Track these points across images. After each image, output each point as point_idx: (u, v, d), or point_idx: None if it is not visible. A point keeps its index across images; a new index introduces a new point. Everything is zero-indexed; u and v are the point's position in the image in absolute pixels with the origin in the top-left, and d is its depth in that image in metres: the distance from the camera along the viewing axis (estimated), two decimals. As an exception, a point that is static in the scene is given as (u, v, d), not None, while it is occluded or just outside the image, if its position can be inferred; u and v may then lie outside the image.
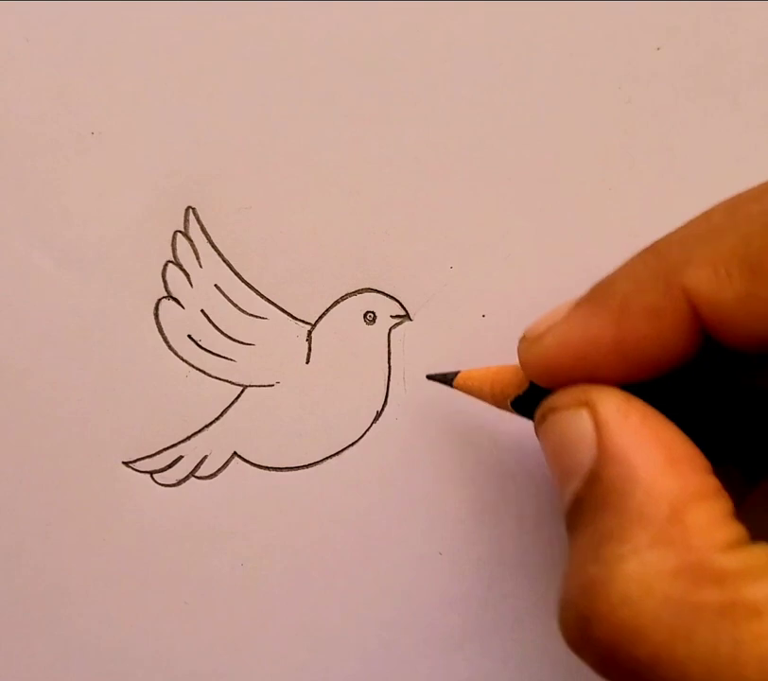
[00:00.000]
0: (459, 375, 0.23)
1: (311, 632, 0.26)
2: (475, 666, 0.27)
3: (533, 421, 0.20)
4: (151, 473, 0.26)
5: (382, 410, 0.26)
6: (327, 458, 0.26)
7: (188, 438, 0.26)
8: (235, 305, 0.25)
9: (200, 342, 0.25)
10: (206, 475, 0.26)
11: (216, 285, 0.25)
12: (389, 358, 0.26)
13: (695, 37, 0.26)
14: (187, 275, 0.25)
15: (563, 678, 0.27)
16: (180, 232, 0.25)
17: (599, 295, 0.18)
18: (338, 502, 0.26)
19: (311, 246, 0.25)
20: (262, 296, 0.25)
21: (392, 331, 0.26)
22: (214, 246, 0.25)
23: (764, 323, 0.16)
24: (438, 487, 0.26)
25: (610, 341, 0.18)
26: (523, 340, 0.20)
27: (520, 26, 0.25)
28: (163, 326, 0.25)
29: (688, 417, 0.18)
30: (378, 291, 0.26)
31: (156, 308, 0.25)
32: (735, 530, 0.16)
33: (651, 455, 0.17)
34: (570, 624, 0.16)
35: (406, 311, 0.26)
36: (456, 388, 0.24)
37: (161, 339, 0.25)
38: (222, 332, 0.25)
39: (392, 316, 0.26)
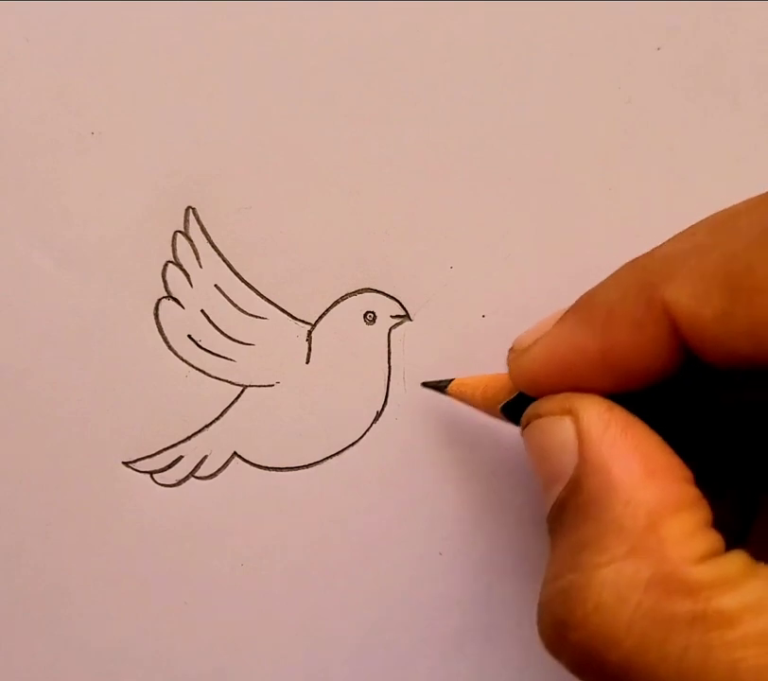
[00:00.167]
0: (452, 383, 0.24)
1: (311, 632, 0.26)
2: (475, 666, 0.27)
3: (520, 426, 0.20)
4: (151, 473, 0.26)
5: (382, 410, 0.26)
6: (327, 458, 0.26)
7: (188, 438, 0.26)
8: (235, 306, 0.25)
9: (200, 342, 0.25)
10: (206, 475, 0.26)
11: (216, 285, 0.25)
12: (389, 358, 0.26)
13: (695, 37, 0.26)
14: (187, 275, 0.25)
15: (563, 678, 0.27)
16: (180, 232, 0.25)
17: (584, 308, 0.19)
18: (338, 502, 0.26)
19: (311, 246, 0.25)
20: (262, 296, 0.25)
21: (392, 331, 0.26)
22: (214, 246, 0.25)
23: (742, 340, 0.16)
24: (438, 487, 0.26)
25: (595, 353, 0.18)
26: (511, 351, 0.21)
27: (520, 26, 0.25)
28: (163, 326, 0.25)
29: (675, 428, 0.18)
30: (378, 291, 0.26)
31: (156, 308, 0.25)
32: (710, 540, 0.16)
33: (629, 465, 0.17)
34: (548, 629, 0.17)
35: (406, 311, 0.26)
36: (450, 395, 0.24)
37: (161, 339, 0.25)
38: (222, 332, 0.25)
39: (392, 316, 0.26)
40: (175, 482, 0.26)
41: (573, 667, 0.17)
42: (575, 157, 0.26)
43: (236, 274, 0.25)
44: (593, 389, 0.19)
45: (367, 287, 0.26)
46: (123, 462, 0.25)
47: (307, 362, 0.26)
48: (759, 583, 0.16)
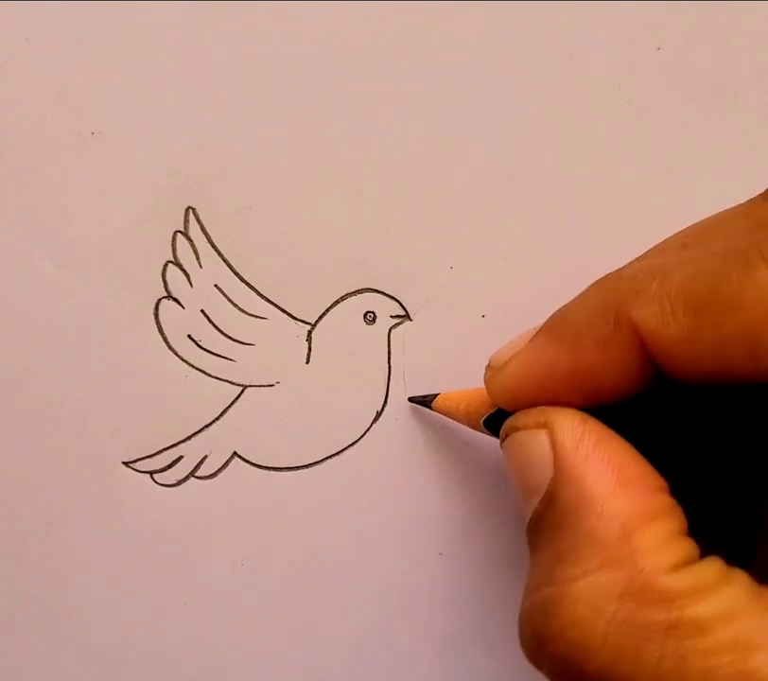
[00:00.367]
0: (437, 398, 0.24)
1: (311, 631, 0.26)
2: (475, 665, 0.27)
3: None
4: (151, 473, 0.26)
5: (382, 410, 0.26)
6: (327, 458, 0.26)
7: (188, 438, 0.26)
8: (235, 306, 0.25)
9: (200, 342, 0.25)
10: (206, 475, 0.26)
11: (216, 285, 0.25)
12: (389, 358, 0.26)
13: (695, 37, 0.26)
14: (187, 275, 0.25)
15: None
16: (180, 232, 0.25)
17: (555, 327, 0.19)
18: (338, 502, 0.26)
19: (311, 246, 0.25)
20: (262, 296, 0.25)
21: (392, 331, 0.26)
22: (214, 246, 0.25)
23: (708, 359, 0.16)
24: (438, 487, 0.26)
25: (566, 370, 0.19)
26: (488, 368, 0.21)
27: (520, 26, 0.25)
28: (163, 326, 0.25)
29: (652, 439, 0.19)
30: (378, 291, 0.26)
31: (156, 308, 0.25)
32: (684, 548, 0.17)
33: (603, 477, 0.17)
34: (527, 640, 0.18)
35: (406, 311, 0.26)
36: (435, 409, 0.25)
37: (161, 339, 0.25)
38: (222, 332, 0.25)
39: (392, 316, 0.26)
40: (175, 482, 0.26)
41: (553, 677, 0.17)
42: (575, 157, 0.26)
43: (236, 274, 0.25)
44: (568, 403, 0.19)
45: (367, 287, 0.26)
46: (123, 462, 0.25)
47: (307, 362, 0.26)
48: (732, 590, 0.16)
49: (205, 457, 0.26)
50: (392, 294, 0.26)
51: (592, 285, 0.19)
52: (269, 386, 0.26)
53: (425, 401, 0.25)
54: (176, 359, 0.25)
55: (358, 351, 0.26)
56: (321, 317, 0.26)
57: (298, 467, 0.26)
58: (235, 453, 0.26)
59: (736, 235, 0.18)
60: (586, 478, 0.17)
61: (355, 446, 0.26)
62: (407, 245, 0.25)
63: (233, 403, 0.26)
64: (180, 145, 0.25)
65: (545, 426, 0.19)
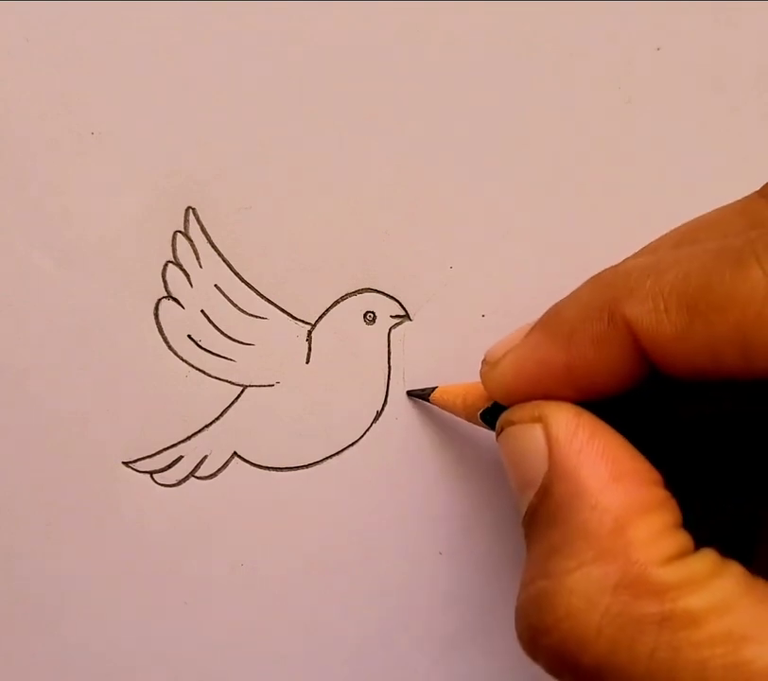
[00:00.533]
0: (435, 391, 0.25)
1: (311, 631, 0.26)
2: (475, 665, 0.27)
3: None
4: (151, 473, 0.26)
5: (382, 410, 0.26)
6: (327, 458, 0.26)
7: (188, 438, 0.26)
8: (235, 306, 0.25)
9: (200, 342, 0.25)
10: (206, 475, 0.26)
11: (216, 285, 0.25)
12: (389, 358, 0.26)
13: (695, 37, 0.26)
14: (187, 275, 0.25)
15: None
16: (180, 232, 0.25)
17: (549, 323, 0.19)
18: (338, 502, 0.26)
19: (311, 246, 0.25)
20: (262, 296, 0.25)
21: (392, 331, 0.26)
22: (214, 246, 0.25)
23: (701, 357, 0.16)
24: (438, 487, 0.26)
25: (561, 366, 0.19)
26: (484, 363, 0.21)
27: (520, 26, 0.25)
28: (163, 326, 0.25)
29: (647, 433, 0.19)
30: (378, 291, 0.26)
31: (156, 308, 0.25)
32: (677, 541, 0.17)
33: (597, 470, 0.17)
34: (523, 633, 0.18)
35: (406, 311, 0.26)
36: (433, 402, 0.25)
37: (161, 339, 0.25)
38: (222, 332, 0.25)
39: (392, 316, 0.26)
40: (175, 482, 0.26)
41: (549, 669, 0.17)
42: (575, 157, 0.26)
43: (236, 274, 0.25)
44: (562, 398, 0.19)
45: (367, 287, 0.26)
46: (123, 462, 0.25)
47: (307, 362, 0.26)
48: (725, 582, 0.16)
49: (205, 457, 0.26)
50: (392, 294, 0.26)
51: (587, 281, 0.19)
52: (269, 386, 0.26)
53: (423, 394, 0.25)
54: (176, 359, 0.25)
55: (358, 351, 0.26)
56: (321, 317, 0.26)
57: (298, 467, 0.26)
58: (235, 453, 0.26)
59: (730, 233, 0.18)
60: (580, 471, 0.17)
61: (355, 446, 0.26)
62: (407, 245, 0.25)
63: (233, 403, 0.26)
64: (180, 145, 0.25)
65: (540, 420, 0.19)
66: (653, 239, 0.20)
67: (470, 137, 0.25)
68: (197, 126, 0.25)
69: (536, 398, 0.19)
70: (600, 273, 0.19)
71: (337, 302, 0.26)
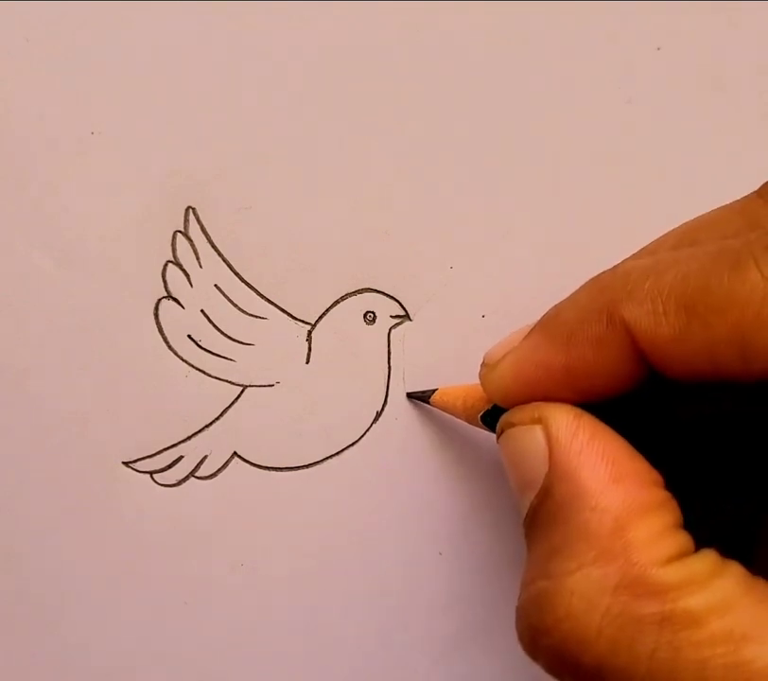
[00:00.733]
0: (435, 393, 0.25)
1: (311, 632, 0.26)
2: (475, 665, 0.27)
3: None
4: (151, 473, 0.26)
5: (382, 410, 0.26)
6: (327, 458, 0.26)
7: (188, 438, 0.26)
8: (235, 306, 0.25)
9: (200, 342, 0.25)
10: (206, 475, 0.26)
11: (216, 285, 0.25)
12: (389, 358, 0.26)
13: (695, 37, 0.26)
14: (187, 275, 0.25)
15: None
16: (180, 232, 0.25)
17: (548, 325, 0.19)
18: (338, 502, 0.26)
19: (311, 246, 0.25)
20: (262, 296, 0.25)
21: (392, 331, 0.26)
22: (214, 246, 0.25)
23: (700, 359, 0.17)
24: (438, 487, 0.26)
25: (560, 368, 0.19)
26: (483, 365, 0.21)
27: (520, 26, 0.25)
28: (163, 326, 0.25)
29: (648, 434, 0.19)
30: (378, 291, 0.26)
31: (156, 308, 0.25)
32: (678, 541, 0.17)
33: (597, 471, 0.17)
34: (523, 633, 0.18)
35: (406, 311, 0.26)
36: (433, 404, 0.25)
37: (161, 339, 0.25)
38: (222, 332, 0.25)
39: (392, 316, 0.26)
40: (175, 482, 0.26)
41: (549, 669, 0.17)
42: (575, 157, 0.26)
43: (236, 274, 0.25)
44: (562, 400, 0.19)
45: (367, 287, 0.26)
46: (123, 462, 0.25)
47: (307, 362, 0.26)
48: (725, 582, 0.16)
49: (205, 457, 0.26)
50: (392, 294, 0.26)
51: (586, 283, 0.19)
52: (269, 386, 0.26)
53: (423, 396, 0.25)
54: (176, 359, 0.25)
55: (358, 351, 0.26)
56: (321, 317, 0.26)
57: (298, 467, 0.26)
58: (235, 453, 0.26)
59: (729, 234, 0.18)
60: (581, 472, 0.18)
61: (355, 446, 0.26)
62: (407, 245, 0.25)
63: (233, 403, 0.26)
64: (180, 145, 0.25)
65: (540, 421, 0.19)
66: (652, 240, 0.20)
67: (470, 137, 0.25)
68: (197, 126, 0.25)
69: (536, 400, 0.19)
70: (598, 275, 0.19)
71: (337, 302, 0.26)
